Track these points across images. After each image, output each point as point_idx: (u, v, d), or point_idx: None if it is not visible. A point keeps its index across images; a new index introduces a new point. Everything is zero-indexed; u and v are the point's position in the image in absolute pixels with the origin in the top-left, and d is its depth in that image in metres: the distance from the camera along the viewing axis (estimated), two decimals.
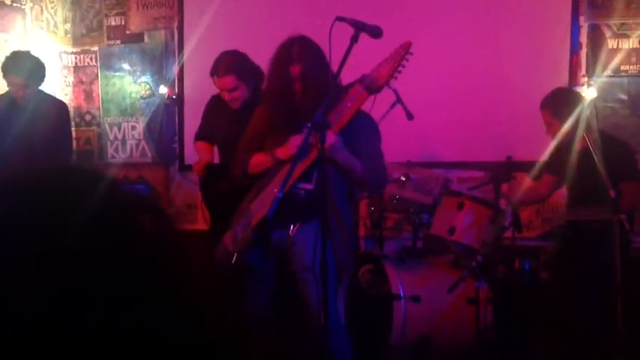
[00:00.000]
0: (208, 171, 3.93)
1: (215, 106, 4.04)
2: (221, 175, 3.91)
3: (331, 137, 2.80)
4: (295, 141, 2.87)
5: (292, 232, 2.97)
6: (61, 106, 4.62)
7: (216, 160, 4.06)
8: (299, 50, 2.93)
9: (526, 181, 4.04)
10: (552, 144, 3.90)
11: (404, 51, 2.85)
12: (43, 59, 4.81)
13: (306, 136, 2.69)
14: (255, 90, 3.83)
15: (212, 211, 4.08)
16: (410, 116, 3.89)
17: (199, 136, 4.14)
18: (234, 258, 2.98)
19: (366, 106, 3.03)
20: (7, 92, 4.39)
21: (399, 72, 2.87)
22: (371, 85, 2.88)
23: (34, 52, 4.52)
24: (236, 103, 3.84)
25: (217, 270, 3.20)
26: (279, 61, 2.97)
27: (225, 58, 3.84)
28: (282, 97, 2.97)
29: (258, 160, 3.09)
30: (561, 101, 3.80)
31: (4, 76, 4.29)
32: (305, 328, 2.98)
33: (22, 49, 4.96)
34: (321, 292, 2.66)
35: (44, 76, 4.39)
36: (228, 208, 3.81)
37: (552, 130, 3.73)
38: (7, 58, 4.28)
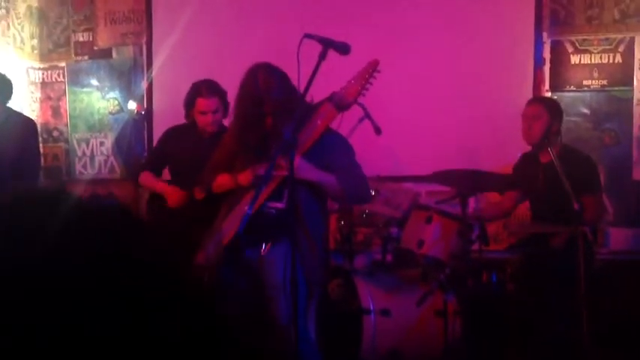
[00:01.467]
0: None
1: (175, 135, 4.04)
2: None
3: (295, 160, 2.82)
4: (255, 170, 2.92)
5: (264, 251, 2.98)
6: (29, 122, 4.59)
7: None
8: (266, 82, 2.95)
9: (492, 196, 4.11)
10: (520, 156, 3.99)
11: (371, 69, 2.90)
12: (9, 75, 4.78)
13: (274, 159, 2.72)
14: (225, 117, 3.89)
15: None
16: (378, 131, 3.94)
17: (147, 167, 4.11)
18: (206, 276, 2.99)
19: (334, 122, 3.07)
20: None
21: (367, 89, 2.92)
22: (339, 103, 2.92)
23: (0, 69, 4.49)
24: (213, 126, 3.85)
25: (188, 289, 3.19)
26: (247, 96, 3.00)
27: (206, 81, 3.87)
28: (253, 128, 3.00)
29: (221, 182, 3.12)
30: (555, 103, 4.05)
31: None
32: (274, 345, 2.99)
33: None
34: (291, 311, 2.67)
35: (11, 93, 4.35)
36: (172, 228, 3.82)
37: (536, 125, 3.80)
38: None
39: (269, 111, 2.95)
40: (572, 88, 4.65)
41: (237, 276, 3.05)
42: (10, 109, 4.41)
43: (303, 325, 2.93)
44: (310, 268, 2.94)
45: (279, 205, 2.94)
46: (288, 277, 2.66)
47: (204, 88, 3.83)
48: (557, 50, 4.69)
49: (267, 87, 2.95)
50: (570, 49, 4.67)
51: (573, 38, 4.67)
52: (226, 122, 3.91)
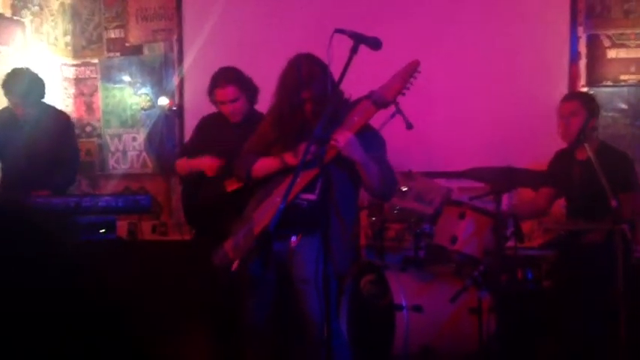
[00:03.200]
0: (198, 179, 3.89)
1: (210, 123, 4.03)
2: (205, 187, 3.91)
3: (347, 135, 2.83)
4: (304, 148, 2.90)
5: (294, 243, 2.97)
6: (63, 117, 4.63)
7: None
8: (309, 71, 2.96)
9: (526, 194, 4.05)
10: (556, 153, 3.93)
11: (412, 69, 2.90)
12: (43, 71, 4.83)
13: (306, 149, 2.71)
14: (252, 104, 3.87)
15: (191, 222, 4.08)
16: (409, 126, 3.90)
17: (180, 155, 4.12)
18: (235, 265, 2.99)
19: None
20: (8, 106, 4.40)
21: (407, 89, 2.92)
22: (378, 101, 2.92)
23: (34, 67, 4.53)
24: (237, 116, 3.85)
25: (216, 278, 3.20)
26: (289, 82, 3.01)
27: (223, 71, 3.87)
28: (291, 117, 3.01)
29: (265, 163, 3.11)
30: (591, 98, 3.98)
31: (4, 95, 4.29)
32: (303, 340, 2.98)
33: (22, 63, 4.97)
34: (323, 305, 2.66)
35: (44, 92, 4.39)
36: (209, 219, 3.83)
37: (574, 122, 3.74)
38: (6, 77, 4.28)
39: (309, 97, 2.95)
40: (608, 83, 4.57)
41: (265, 269, 3.04)
42: (44, 104, 4.46)
43: (334, 321, 2.92)
44: (340, 261, 2.93)
45: (310, 196, 2.94)
46: (320, 270, 2.65)
47: (220, 79, 3.81)
48: (594, 45, 4.61)
49: (309, 74, 2.96)
50: (607, 44, 4.59)
51: (610, 32, 4.59)
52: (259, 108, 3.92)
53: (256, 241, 2.98)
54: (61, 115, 4.64)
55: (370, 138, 3.02)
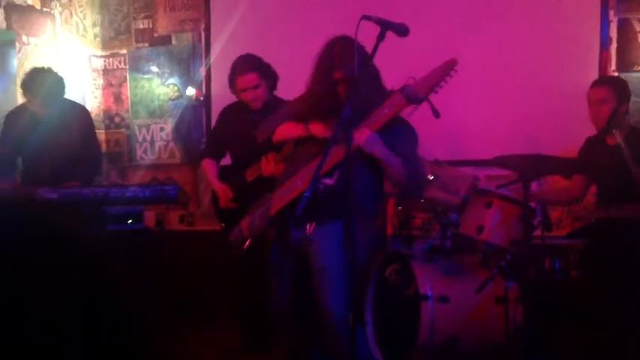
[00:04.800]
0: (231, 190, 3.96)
1: (231, 113, 4.07)
2: (227, 179, 3.96)
3: (366, 132, 2.81)
4: (332, 125, 2.89)
5: (309, 230, 2.95)
6: (84, 112, 4.68)
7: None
8: (341, 53, 2.94)
9: (557, 181, 3.98)
10: (587, 140, 3.85)
11: (449, 68, 2.86)
12: (72, 63, 4.89)
13: (336, 132, 2.69)
14: (272, 90, 3.90)
15: (219, 213, 4.12)
16: (436, 114, 3.85)
17: (207, 153, 4.15)
18: (248, 243, 2.99)
19: None
20: (26, 104, 4.43)
21: (441, 87, 2.87)
22: (411, 96, 2.89)
23: (63, 58, 4.57)
24: (257, 102, 3.87)
25: (243, 267, 3.20)
26: (321, 63, 3.00)
27: (242, 59, 3.91)
28: (324, 99, 2.99)
29: (288, 127, 3.10)
30: (622, 83, 3.90)
31: (24, 94, 4.33)
32: (322, 329, 2.97)
33: (52, 54, 5.03)
34: (344, 298, 2.64)
35: (64, 91, 4.41)
36: (235, 211, 3.86)
37: (604, 109, 3.66)
38: (26, 78, 4.31)
39: (341, 78, 2.93)
40: (639, 68, 4.47)
41: (283, 256, 3.04)
42: (65, 99, 4.49)
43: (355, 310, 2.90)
44: (362, 252, 2.90)
45: (328, 181, 2.90)
46: (339, 260, 2.63)
47: (240, 66, 3.86)
48: (625, 29, 4.51)
49: (340, 55, 2.93)
50: (638, 28, 4.49)
51: None
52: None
53: (271, 222, 2.97)
54: (81, 110, 4.69)
55: (399, 132, 2.98)
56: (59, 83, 4.38)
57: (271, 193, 3.07)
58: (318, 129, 2.96)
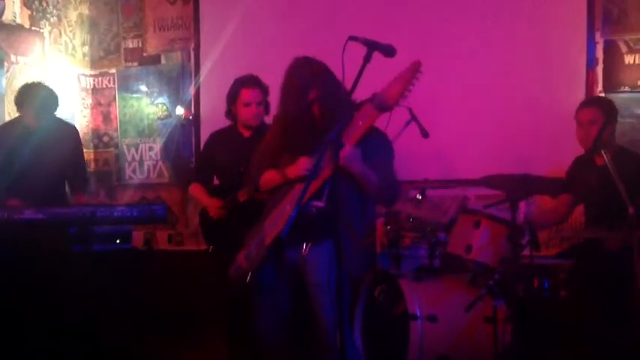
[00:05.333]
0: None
1: (217, 139, 4.10)
2: (224, 196, 3.95)
3: (347, 148, 2.81)
4: (304, 162, 2.90)
5: (305, 251, 2.96)
6: (74, 130, 4.68)
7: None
8: (311, 72, 2.95)
9: (545, 202, 4.00)
10: (574, 159, 3.87)
11: (414, 71, 2.86)
12: (61, 82, 4.88)
13: (320, 155, 2.69)
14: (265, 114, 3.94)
15: (207, 235, 4.11)
16: (425, 134, 3.88)
17: (196, 178, 4.15)
18: (249, 277, 2.98)
19: (381, 125, 3.04)
20: (20, 117, 4.43)
21: (409, 91, 2.88)
22: (381, 104, 2.89)
23: (52, 77, 4.57)
24: (256, 119, 3.91)
25: (231, 289, 3.20)
26: (293, 86, 2.99)
27: (249, 75, 3.93)
28: (300, 121, 2.98)
29: (269, 178, 3.12)
30: (611, 104, 3.89)
31: (18, 109, 4.32)
32: (318, 346, 2.97)
33: (40, 73, 5.03)
34: (336, 313, 2.63)
35: (57, 105, 4.43)
36: (223, 231, 3.85)
37: (593, 130, 3.68)
38: (21, 92, 4.32)
39: (316, 98, 2.93)
40: (626, 89, 4.52)
41: (278, 276, 3.03)
42: (56, 117, 4.50)
43: (347, 328, 2.89)
44: (352, 267, 2.90)
45: (318, 203, 2.92)
46: (332, 278, 2.63)
47: (248, 80, 3.89)
48: (611, 50, 4.56)
49: (312, 76, 2.95)
50: (624, 49, 4.54)
51: (627, 37, 4.53)
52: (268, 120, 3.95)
53: (268, 251, 2.97)
54: (71, 128, 4.69)
55: (374, 142, 2.98)
56: (52, 96, 4.39)
57: (263, 223, 3.06)
58: (293, 172, 2.98)
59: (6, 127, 4.50)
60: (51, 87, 4.48)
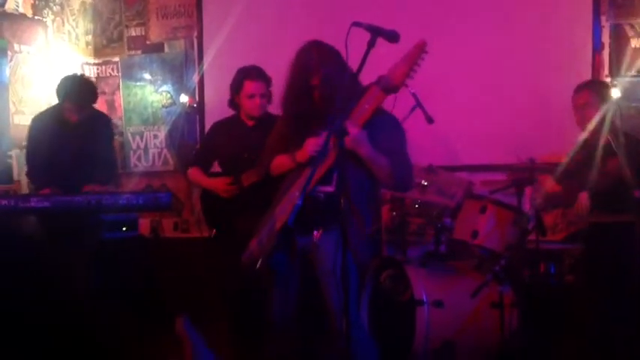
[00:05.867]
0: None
1: (220, 129, 4.09)
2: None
3: (354, 130, 2.80)
4: (311, 143, 2.90)
5: (316, 237, 2.96)
6: (108, 120, 4.71)
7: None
8: (317, 58, 2.95)
9: (552, 185, 3.98)
10: (576, 144, 3.86)
11: (419, 51, 2.84)
12: (65, 71, 4.87)
13: (325, 141, 2.68)
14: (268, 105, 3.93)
15: (209, 220, 4.11)
16: (430, 120, 3.87)
17: (195, 163, 4.13)
18: (259, 263, 2.99)
19: (386, 108, 3.03)
20: (54, 107, 4.42)
21: (415, 71, 2.86)
22: (387, 86, 2.88)
23: (55, 66, 4.54)
24: (259, 110, 3.90)
25: (238, 274, 3.21)
26: (298, 70, 2.99)
27: (253, 66, 3.92)
28: (301, 105, 2.99)
29: (280, 162, 3.13)
30: (602, 85, 3.93)
31: (64, 102, 4.29)
32: (327, 331, 2.98)
33: (44, 62, 5.02)
34: (342, 297, 2.64)
35: (96, 98, 4.44)
36: (228, 216, 3.85)
37: (587, 113, 3.68)
38: (68, 86, 4.28)
39: (317, 84, 2.93)
40: (632, 73, 4.49)
41: (290, 263, 3.04)
42: (93, 107, 4.51)
43: (354, 312, 2.89)
44: (359, 252, 2.90)
45: (328, 188, 2.92)
46: (339, 263, 2.63)
47: (252, 72, 3.88)
48: (617, 34, 4.53)
49: (318, 60, 2.94)
50: (630, 33, 4.51)
51: (633, 21, 4.51)
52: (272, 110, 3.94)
53: (278, 238, 2.97)
54: (105, 118, 4.71)
55: (383, 124, 2.97)
56: (94, 89, 4.41)
57: (274, 209, 3.06)
58: (302, 155, 2.98)
59: (43, 117, 4.47)
60: (92, 80, 4.47)
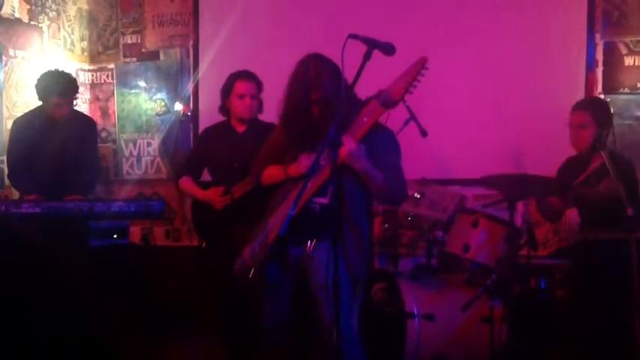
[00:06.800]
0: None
1: (210, 135, 4.09)
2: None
3: (351, 144, 2.81)
4: (305, 159, 2.90)
5: (309, 248, 2.96)
6: (92, 123, 4.70)
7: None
8: (317, 72, 2.95)
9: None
10: (570, 160, 3.87)
11: (420, 66, 2.86)
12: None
13: (319, 154, 2.69)
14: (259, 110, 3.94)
15: (201, 231, 4.09)
16: (424, 133, 3.87)
17: (185, 172, 4.11)
18: (252, 272, 2.98)
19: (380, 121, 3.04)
20: (39, 109, 4.41)
21: (415, 87, 2.88)
22: (386, 100, 2.89)
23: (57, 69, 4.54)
24: (250, 113, 3.91)
25: (236, 284, 3.21)
26: (298, 83, 3.00)
27: (244, 70, 3.93)
28: (300, 119, 2.99)
29: (271, 173, 3.13)
30: (604, 107, 3.87)
31: (48, 98, 4.28)
32: (319, 342, 2.97)
33: (39, 68, 5.01)
34: (333, 311, 2.63)
35: (77, 91, 4.45)
36: (218, 227, 3.84)
37: (584, 133, 3.68)
38: (50, 80, 4.28)
39: (316, 99, 2.94)
40: (625, 90, 4.52)
41: (282, 273, 3.03)
42: (75, 109, 4.50)
43: (346, 326, 2.88)
44: (354, 266, 2.90)
45: (323, 200, 2.92)
46: (331, 275, 2.62)
47: (243, 73, 3.91)
48: (611, 52, 4.56)
49: (317, 75, 2.96)
50: (624, 51, 4.55)
51: (627, 39, 4.54)
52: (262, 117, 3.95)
53: (271, 248, 2.97)
54: (90, 120, 4.70)
55: (380, 138, 2.98)
56: (75, 82, 4.40)
57: (267, 219, 3.06)
58: (294, 170, 2.98)
59: (25, 119, 4.46)
60: (71, 74, 4.48)
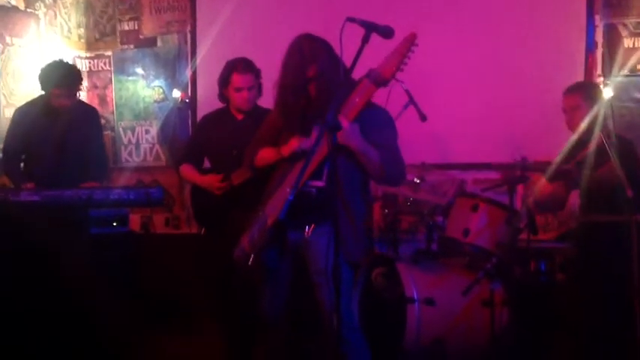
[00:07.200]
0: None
1: (209, 122, 4.07)
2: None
3: (345, 123, 2.79)
4: (296, 141, 2.89)
5: (307, 233, 2.95)
6: (95, 112, 4.67)
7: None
8: (311, 49, 2.94)
9: (544, 185, 3.98)
10: (567, 144, 3.86)
11: (409, 43, 2.84)
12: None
13: (318, 136, 2.67)
14: (258, 97, 3.91)
15: (200, 217, 4.09)
16: (423, 117, 3.86)
17: (186, 159, 4.09)
18: (251, 259, 2.98)
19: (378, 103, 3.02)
20: (40, 98, 4.39)
21: (405, 64, 2.85)
22: (377, 79, 2.86)
23: (47, 59, 4.52)
24: (248, 104, 3.88)
25: (230, 271, 3.21)
26: (292, 63, 2.97)
27: (241, 59, 3.90)
28: (295, 98, 2.97)
29: (264, 154, 3.12)
30: (593, 87, 3.88)
31: (49, 88, 4.25)
32: (320, 329, 2.97)
33: (36, 55, 5.00)
34: (333, 296, 2.63)
35: (81, 83, 4.41)
36: (217, 214, 3.83)
37: (577, 116, 3.68)
38: (52, 72, 4.25)
39: (313, 75, 2.92)
40: (625, 72, 4.50)
41: (281, 258, 3.03)
42: (79, 99, 4.47)
43: (346, 311, 2.88)
44: (352, 251, 2.89)
45: (319, 183, 2.90)
46: (330, 261, 2.62)
47: (240, 65, 3.85)
48: (610, 34, 4.53)
49: (312, 51, 2.93)
50: (624, 33, 4.52)
51: (627, 21, 4.51)
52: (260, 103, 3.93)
53: (270, 234, 2.96)
54: (92, 109, 4.68)
55: (374, 117, 2.95)
56: (79, 73, 4.36)
57: (265, 205, 3.05)
58: (287, 149, 2.97)
59: (27, 107, 4.43)
60: (75, 66, 4.47)
